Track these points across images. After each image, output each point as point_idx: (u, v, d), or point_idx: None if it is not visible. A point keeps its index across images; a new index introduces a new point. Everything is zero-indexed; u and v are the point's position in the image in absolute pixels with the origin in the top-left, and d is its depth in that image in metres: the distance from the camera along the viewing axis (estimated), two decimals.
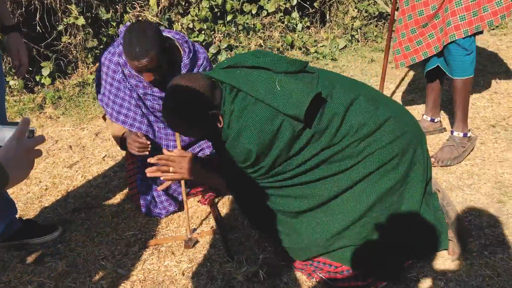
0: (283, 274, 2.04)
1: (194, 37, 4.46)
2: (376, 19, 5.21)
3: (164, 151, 2.01)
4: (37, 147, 1.00)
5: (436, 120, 3.09)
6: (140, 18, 4.32)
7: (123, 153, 3.03)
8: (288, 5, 4.88)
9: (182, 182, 2.21)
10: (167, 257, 2.20)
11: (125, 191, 2.72)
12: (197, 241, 2.28)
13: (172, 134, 2.40)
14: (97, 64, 4.33)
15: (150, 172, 1.99)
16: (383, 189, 1.81)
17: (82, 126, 3.56)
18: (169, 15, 4.45)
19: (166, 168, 1.97)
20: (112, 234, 2.39)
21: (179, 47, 2.23)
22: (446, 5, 2.56)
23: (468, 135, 2.83)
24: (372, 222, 1.85)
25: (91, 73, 4.24)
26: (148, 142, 2.22)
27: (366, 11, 5.13)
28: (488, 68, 4.19)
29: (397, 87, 3.94)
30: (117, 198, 2.67)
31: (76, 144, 3.30)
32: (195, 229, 2.39)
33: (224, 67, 1.82)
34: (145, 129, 2.31)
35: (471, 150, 2.86)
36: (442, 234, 1.98)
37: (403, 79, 4.10)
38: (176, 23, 4.47)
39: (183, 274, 2.08)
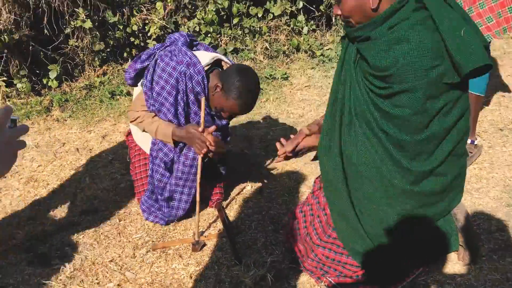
0: (291, 278, 2.03)
1: (201, 40, 4.47)
2: None
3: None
4: (20, 138, 0.90)
5: (475, 142, 2.93)
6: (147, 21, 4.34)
7: (130, 155, 3.04)
8: (294, 8, 4.88)
9: (198, 185, 2.22)
10: (174, 260, 2.20)
11: (132, 193, 2.72)
12: (204, 244, 2.28)
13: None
14: (103, 67, 4.35)
15: None
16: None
17: (89, 128, 3.56)
18: (176, 18, 4.46)
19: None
20: (120, 236, 2.39)
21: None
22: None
23: (475, 143, 2.83)
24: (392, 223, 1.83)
25: (97, 76, 4.25)
26: (222, 141, 2.32)
27: None
28: (495, 71, 4.18)
29: None
30: (124, 201, 2.67)
31: (83, 146, 3.31)
32: (202, 232, 2.39)
33: None
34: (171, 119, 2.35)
35: (478, 157, 2.85)
36: (452, 236, 1.96)
37: None
38: (182, 26, 4.48)
39: (191, 277, 2.08)
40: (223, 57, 2.37)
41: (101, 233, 2.42)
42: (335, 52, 4.84)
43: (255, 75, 2.23)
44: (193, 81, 2.20)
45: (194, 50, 2.37)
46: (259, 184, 2.76)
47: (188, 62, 2.20)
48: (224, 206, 2.57)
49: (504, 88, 3.81)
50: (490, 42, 2.73)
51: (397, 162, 1.70)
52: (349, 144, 1.77)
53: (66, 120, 3.68)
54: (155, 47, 2.35)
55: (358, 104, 1.73)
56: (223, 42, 4.64)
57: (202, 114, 2.18)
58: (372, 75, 1.64)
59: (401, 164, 1.69)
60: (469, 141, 2.79)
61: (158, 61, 2.26)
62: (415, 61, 1.52)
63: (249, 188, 2.73)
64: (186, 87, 2.22)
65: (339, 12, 1.67)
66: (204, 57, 2.28)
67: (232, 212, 2.53)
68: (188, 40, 2.35)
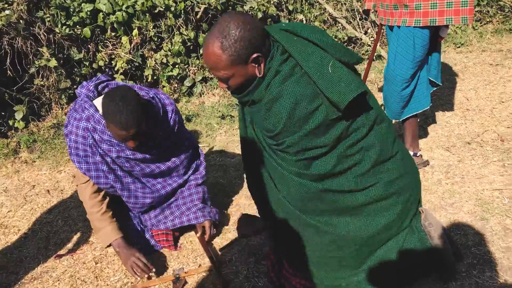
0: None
1: (168, 71, 4.47)
2: (346, 43, 5.32)
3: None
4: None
5: (418, 154, 3.08)
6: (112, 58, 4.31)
7: None
8: None
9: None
10: None
11: None
12: (185, 282, 2.23)
13: (149, 193, 2.40)
14: (70, 105, 4.28)
15: None
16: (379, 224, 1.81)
17: (59, 169, 3.49)
18: (142, 51, 4.46)
19: None
20: (97, 280, 2.32)
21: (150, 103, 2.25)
22: None
23: (418, 155, 3.03)
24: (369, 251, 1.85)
25: (65, 114, 4.18)
26: (153, 269, 2.27)
27: (335, 37, 5.23)
28: (458, 85, 4.31)
29: None
30: (100, 242, 2.61)
31: (54, 188, 3.23)
32: (182, 268, 2.34)
33: (282, 29, 1.70)
34: (119, 194, 2.35)
35: (423, 166, 3.02)
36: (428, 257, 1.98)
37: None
38: (149, 59, 4.47)
39: None
40: None
41: (78, 278, 2.34)
42: None
43: (119, 89, 2.08)
44: (98, 132, 2.18)
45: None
46: (237, 215, 2.74)
47: (88, 115, 2.18)
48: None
49: (468, 102, 3.92)
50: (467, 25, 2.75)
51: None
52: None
53: (35, 162, 3.59)
54: (70, 110, 2.34)
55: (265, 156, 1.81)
56: (191, 72, 4.65)
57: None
58: (266, 136, 1.72)
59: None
60: (411, 153, 2.98)
61: (65, 129, 2.28)
62: (294, 113, 1.58)
63: (217, 220, 2.70)
64: (95, 140, 2.21)
65: (225, 86, 1.68)
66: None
67: (213, 245, 2.50)
68: (92, 87, 2.29)
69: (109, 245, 2.31)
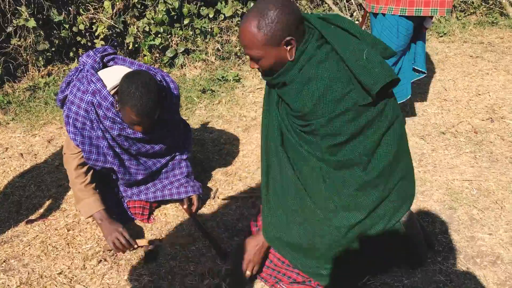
0: (246, 286, 2.05)
1: (150, 40, 4.40)
2: None
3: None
4: None
5: None
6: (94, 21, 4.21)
7: None
8: (245, 9, 4.89)
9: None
10: (127, 271, 2.16)
11: None
12: (157, 251, 2.25)
13: (142, 169, 2.40)
14: (48, 67, 4.18)
15: None
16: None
17: (33, 132, 3.43)
18: (124, 18, 4.36)
19: None
20: (69, 247, 2.32)
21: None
22: None
23: None
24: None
25: (42, 77, 4.09)
26: (135, 245, 2.26)
27: None
28: (437, 75, 4.36)
29: None
30: (73, 209, 2.60)
31: (27, 151, 3.18)
32: (158, 240, 2.36)
33: (319, 17, 1.73)
34: (116, 170, 2.34)
35: None
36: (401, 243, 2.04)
37: None
38: (131, 26, 4.38)
39: None
40: None
41: (49, 244, 2.34)
42: None
43: (142, 74, 2.07)
44: (103, 108, 2.15)
45: (109, 66, 2.33)
46: (213, 190, 2.75)
47: (94, 89, 2.14)
48: (177, 213, 2.55)
49: (446, 92, 3.98)
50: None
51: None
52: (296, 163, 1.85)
53: (8, 124, 3.52)
54: (71, 73, 2.30)
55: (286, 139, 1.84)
56: (173, 42, 4.58)
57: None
58: (294, 116, 1.75)
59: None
60: None
61: (68, 94, 2.23)
62: (325, 95, 1.62)
63: (201, 194, 2.72)
64: (98, 115, 2.18)
65: (257, 67, 1.72)
66: (112, 78, 2.20)
67: (185, 219, 2.52)
68: (98, 58, 2.27)
69: (90, 216, 2.30)
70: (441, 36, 5.48)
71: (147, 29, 4.37)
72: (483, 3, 6.06)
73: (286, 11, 1.58)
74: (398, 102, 2.94)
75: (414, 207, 2.53)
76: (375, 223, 1.84)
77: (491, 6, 6.06)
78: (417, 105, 3.76)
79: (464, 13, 6.05)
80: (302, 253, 1.90)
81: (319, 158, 1.75)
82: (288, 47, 1.63)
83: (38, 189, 2.79)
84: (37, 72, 4.13)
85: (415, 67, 2.97)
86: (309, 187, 1.82)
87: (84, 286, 2.08)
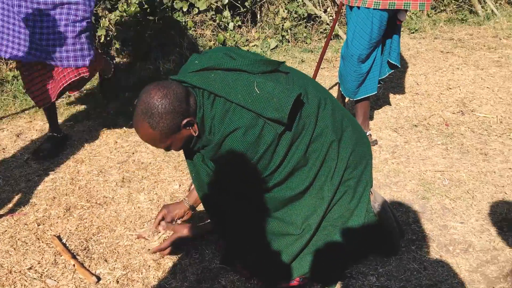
0: (221, 278, 2.03)
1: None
2: (305, 20, 5.33)
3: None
4: None
5: (368, 134, 3.13)
6: None
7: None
8: (219, 3, 4.86)
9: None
10: (99, 265, 2.11)
11: (52, 195, 2.58)
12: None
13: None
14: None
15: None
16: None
17: (1, 126, 3.33)
18: (96, 10, 4.28)
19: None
20: (39, 242, 2.25)
21: None
22: None
23: (368, 134, 3.10)
24: (324, 232, 1.91)
25: (10, 70, 3.97)
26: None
27: (295, 12, 5.22)
28: (409, 70, 4.43)
29: (329, 89, 4.06)
30: (43, 204, 2.53)
31: None
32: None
33: (196, 70, 1.71)
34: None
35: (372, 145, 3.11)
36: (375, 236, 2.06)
37: (332, 80, 4.23)
38: (103, 19, 4.30)
39: (117, 282, 2.01)
40: None
41: (18, 239, 2.27)
42: (261, 49, 4.88)
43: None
44: None
45: None
46: (188, 182, 2.73)
47: None
48: (151, 207, 2.52)
49: (418, 86, 4.04)
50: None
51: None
52: None
53: None
54: None
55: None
56: (147, 35, 4.51)
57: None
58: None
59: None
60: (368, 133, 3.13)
61: None
62: (245, 141, 1.63)
63: (176, 187, 2.69)
64: None
65: (170, 150, 1.75)
66: None
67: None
68: None
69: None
70: (413, 33, 5.56)
71: (119, 21, 4.30)
72: (453, 1, 6.19)
73: (169, 99, 1.58)
74: (362, 97, 2.99)
75: (388, 197, 2.55)
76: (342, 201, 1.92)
77: (461, 4, 6.18)
78: (390, 98, 3.81)
79: (435, 11, 6.16)
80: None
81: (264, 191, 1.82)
82: (189, 127, 1.65)
83: (7, 183, 2.70)
84: (4, 65, 4.01)
85: (390, 60, 3.00)
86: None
87: (55, 280, 2.02)
